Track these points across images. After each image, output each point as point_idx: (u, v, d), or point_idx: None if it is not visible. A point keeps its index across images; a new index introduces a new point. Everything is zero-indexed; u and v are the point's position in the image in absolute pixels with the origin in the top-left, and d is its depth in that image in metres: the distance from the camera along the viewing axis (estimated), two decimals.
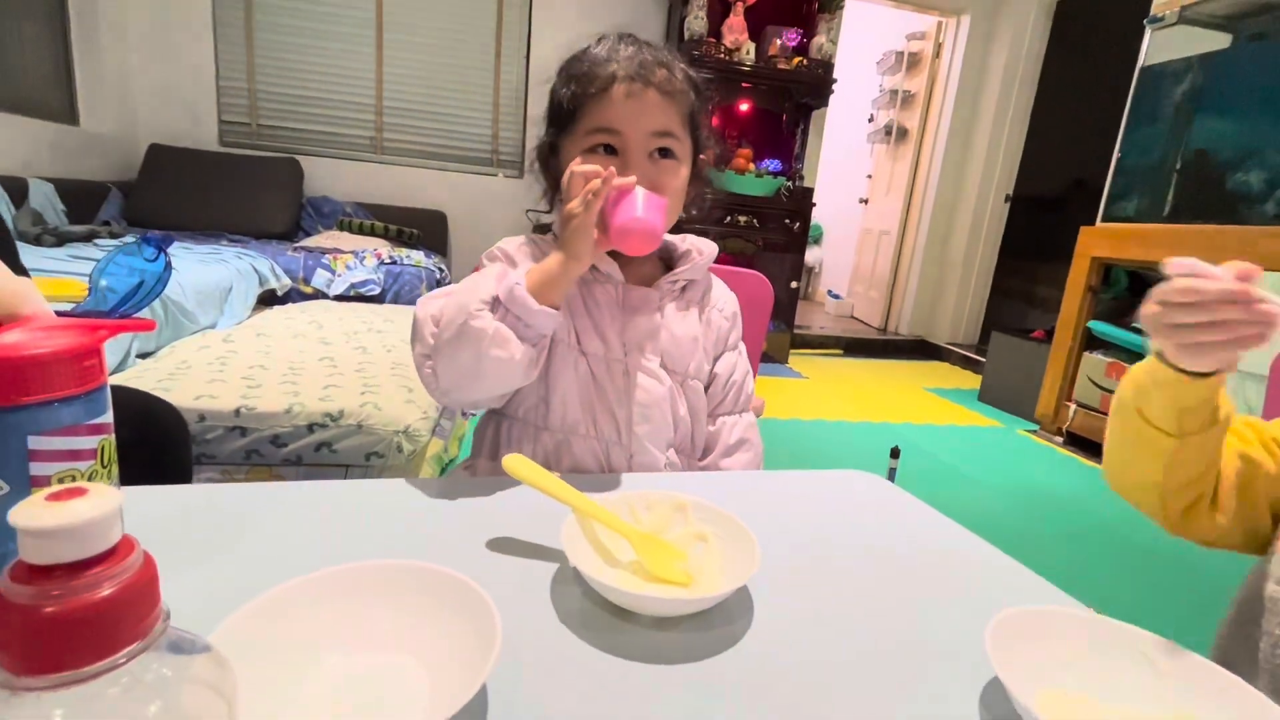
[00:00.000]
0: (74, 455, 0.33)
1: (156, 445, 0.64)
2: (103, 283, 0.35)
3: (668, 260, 0.73)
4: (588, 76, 0.62)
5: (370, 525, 0.48)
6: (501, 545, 0.46)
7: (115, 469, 0.35)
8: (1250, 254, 2.00)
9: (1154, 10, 2.57)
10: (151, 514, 0.46)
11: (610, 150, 0.62)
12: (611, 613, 0.40)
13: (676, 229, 0.72)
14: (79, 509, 0.17)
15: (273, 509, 0.48)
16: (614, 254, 0.66)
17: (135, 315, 0.37)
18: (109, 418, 0.34)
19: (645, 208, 0.56)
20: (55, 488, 0.17)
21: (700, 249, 0.71)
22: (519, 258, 0.66)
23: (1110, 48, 3.80)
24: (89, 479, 0.33)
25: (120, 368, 1.65)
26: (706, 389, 0.71)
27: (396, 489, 0.55)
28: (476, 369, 0.55)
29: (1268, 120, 2.13)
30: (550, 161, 0.68)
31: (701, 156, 0.70)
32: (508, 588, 0.41)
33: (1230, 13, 2.40)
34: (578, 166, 0.57)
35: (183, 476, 0.68)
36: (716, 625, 0.40)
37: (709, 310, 0.72)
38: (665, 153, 0.64)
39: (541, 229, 0.73)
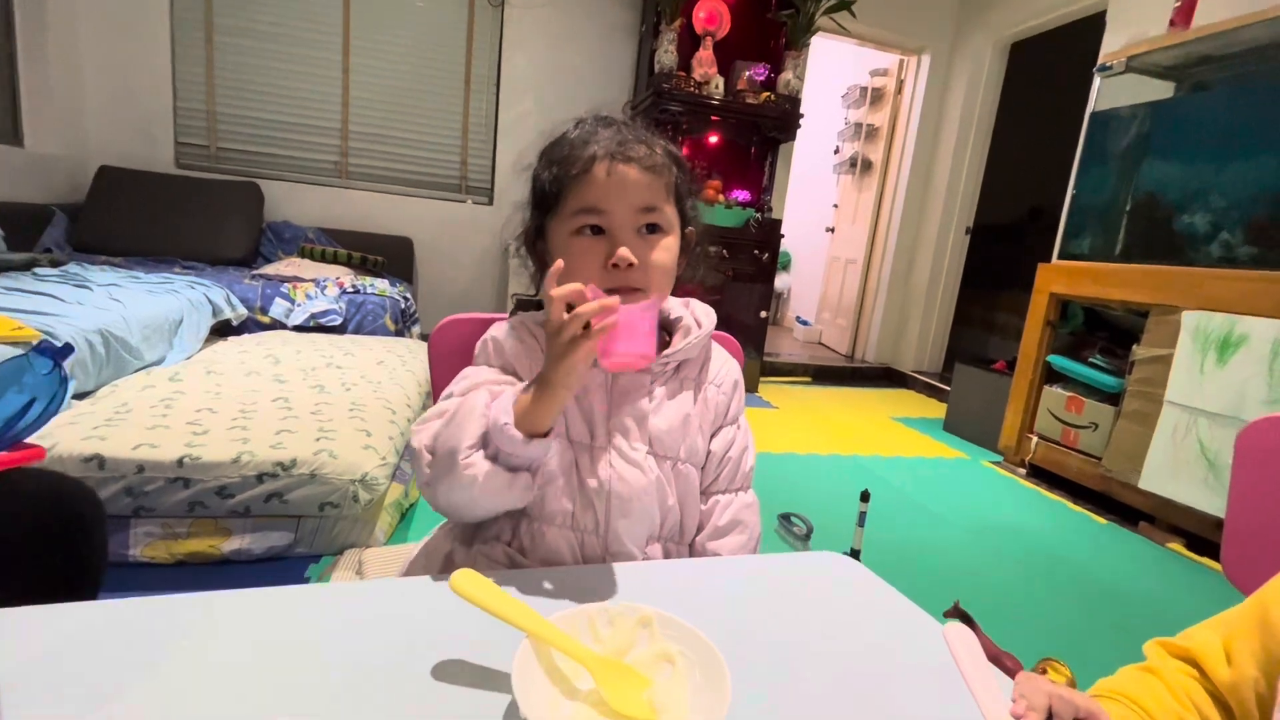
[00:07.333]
0: None
1: (66, 545, 0.58)
2: None
3: (665, 325, 0.70)
4: (569, 159, 0.61)
5: (301, 648, 0.43)
6: (448, 672, 0.42)
7: None
8: (1197, 295, 2.09)
9: (1102, 59, 2.69)
10: (45, 641, 0.41)
11: (597, 230, 0.61)
12: None
13: (677, 288, 0.70)
14: None
15: (188, 631, 0.43)
16: None
17: (24, 440, 0.32)
18: None
19: (635, 334, 0.52)
20: None
21: (699, 319, 0.69)
22: (508, 346, 0.65)
23: (1063, 87, 3.96)
24: None
25: None
26: (703, 468, 0.68)
27: (336, 597, 0.50)
28: (472, 507, 0.58)
29: (1211, 166, 2.22)
30: (537, 244, 0.68)
31: (689, 229, 0.69)
32: None
33: (1174, 63, 2.52)
34: (555, 290, 0.52)
35: (91, 580, 0.62)
36: None
37: (705, 387, 0.69)
38: (653, 228, 0.63)
39: (524, 305, 0.71)
